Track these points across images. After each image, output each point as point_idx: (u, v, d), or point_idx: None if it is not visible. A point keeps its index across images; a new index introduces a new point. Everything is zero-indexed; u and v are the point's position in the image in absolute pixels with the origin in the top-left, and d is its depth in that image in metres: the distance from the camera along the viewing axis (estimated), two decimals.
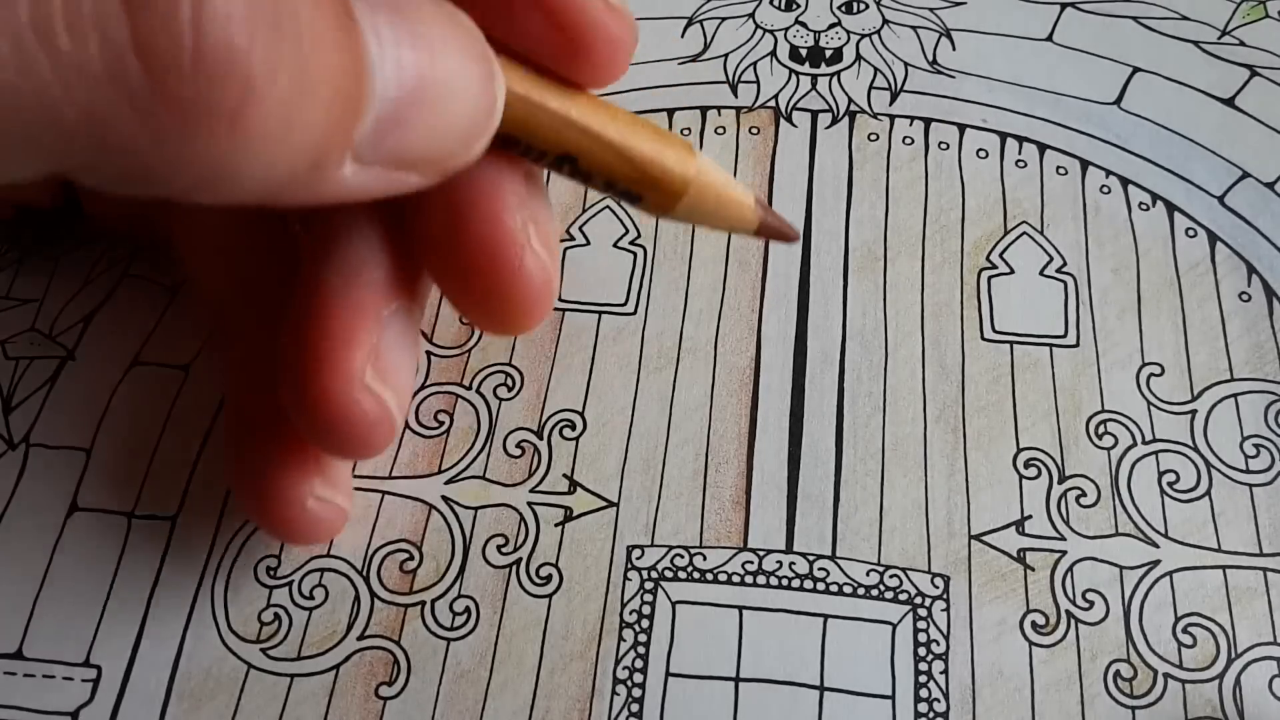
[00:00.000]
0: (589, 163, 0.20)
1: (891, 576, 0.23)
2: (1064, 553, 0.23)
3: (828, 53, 0.32)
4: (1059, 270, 0.27)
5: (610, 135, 0.20)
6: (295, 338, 0.20)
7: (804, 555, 0.23)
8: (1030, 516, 0.24)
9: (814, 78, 0.31)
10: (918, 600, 0.23)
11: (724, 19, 0.33)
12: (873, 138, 0.30)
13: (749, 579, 0.23)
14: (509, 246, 0.20)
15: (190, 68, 0.14)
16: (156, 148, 0.14)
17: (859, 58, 0.32)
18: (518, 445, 0.25)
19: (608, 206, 0.29)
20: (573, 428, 0.25)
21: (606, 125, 0.20)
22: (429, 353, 0.26)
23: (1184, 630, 0.22)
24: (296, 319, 0.20)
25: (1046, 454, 0.25)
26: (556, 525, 0.24)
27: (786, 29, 0.32)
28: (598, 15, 0.19)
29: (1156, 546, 0.23)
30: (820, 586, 0.23)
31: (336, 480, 0.22)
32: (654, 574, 0.23)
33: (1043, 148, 0.29)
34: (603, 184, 0.20)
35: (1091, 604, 0.23)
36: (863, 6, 0.33)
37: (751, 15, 0.33)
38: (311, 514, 0.22)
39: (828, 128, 0.30)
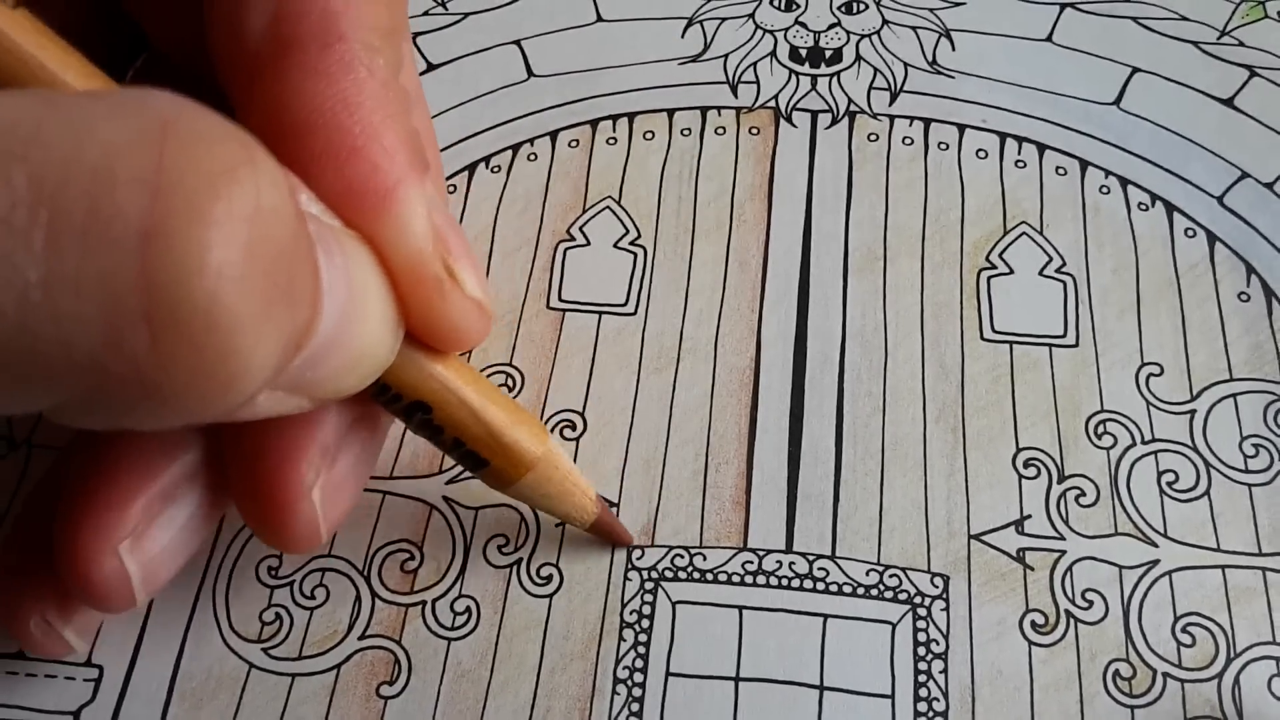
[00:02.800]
0: (442, 416, 0.20)
1: (891, 576, 0.23)
2: (1063, 552, 0.23)
3: (827, 53, 0.32)
4: (1058, 270, 0.27)
5: (468, 394, 0.20)
6: (77, 478, 0.20)
7: (804, 555, 0.23)
8: (1030, 516, 0.24)
9: (814, 78, 0.31)
10: (917, 600, 0.23)
11: (724, 19, 0.33)
12: (872, 138, 0.30)
13: (749, 579, 0.23)
14: (289, 492, 0.20)
15: (198, 340, 0.14)
16: (142, 402, 0.14)
17: (859, 58, 0.32)
18: None
19: (608, 207, 0.29)
20: (573, 428, 0.25)
21: (468, 385, 0.20)
22: None
23: (1183, 630, 0.22)
24: (87, 458, 0.20)
25: (1046, 454, 0.25)
26: (557, 525, 0.24)
27: (786, 29, 0.32)
28: (453, 322, 0.19)
29: (1156, 546, 0.23)
30: (820, 586, 0.23)
31: (71, 617, 0.21)
32: (654, 574, 0.23)
33: (1042, 148, 0.29)
34: (451, 441, 0.20)
35: (1091, 603, 0.23)
36: (862, 7, 0.33)
37: (751, 16, 0.33)
38: (31, 634, 0.21)
39: (828, 128, 0.30)
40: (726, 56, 0.32)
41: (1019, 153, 0.29)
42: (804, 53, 0.32)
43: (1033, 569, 0.23)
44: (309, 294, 0.16)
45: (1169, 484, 0.24)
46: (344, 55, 0.19)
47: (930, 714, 0.22)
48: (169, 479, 0.20)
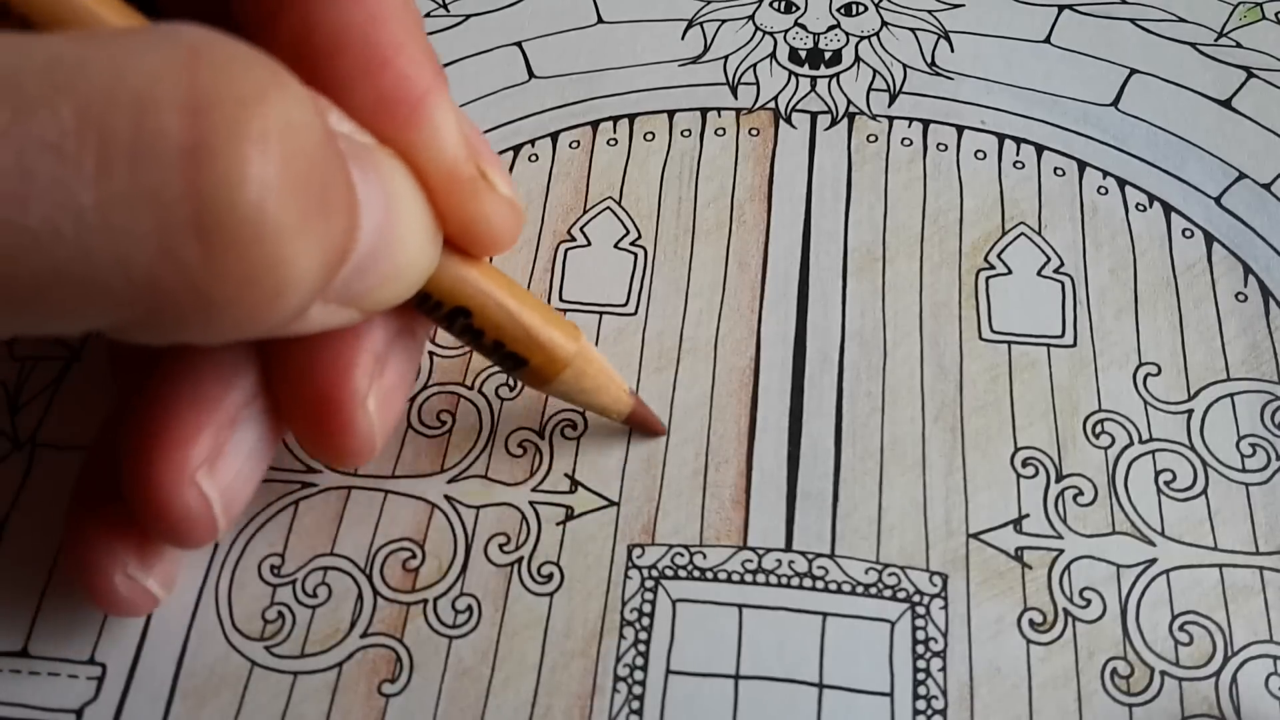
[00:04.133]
0: (482, 320, 0.21)
1: (890, 575, 0.23)
2: (1061, 551, 0.23)
3: (827, 55, 0.32)
4: (1056, 270, 0.27)
5: (506, 298, 0.21)
6: (141, 417, 0.20)
7: (803, 554, 0.24)
8: (1028, 515, 0.24)
9: (813, 79, 0.31)
10: (916, 598, 0.23)
11: (724, 21, 0.33)
12: (872, 139, 0.30)
13: (749, 577, 0.23)
14: (346, 402, 0.20)
15: (246, 249, 0.15)
16: (197, 314, 0.15)
17: (858, 60, 0.32)
18: (519, 445, 0.25)
19: (608, 208, 0.29)
20: (574, 427, 0.25)
21: (504, 290, 0.21)
22: (431, 353, 0.26)
23: (1181, 628, 0.23)
24: (148, 398, 0.20)
25: (1044, 453, 0.25)
26: (558, 524, 0.24)
27: (786, 31, 0.33)
28: (490, 222, 0.20)
29: (1153, 545, 0.24)
30: (819, 585, 0.23)
31: (154, 564, 0.22)
32: (654, 572, 0.23)
33: (1040, 149, 0.30)
34: (491, 344, 0.21)
35: (1089, 602, 0.23)
36: (862, 9, 0.33)
37: (751, 18, 0.33)
38: (115, 589, 0.21)
39: (827, 129, 0.30)
40: (726, 58, 0.32)
41: (1017, 153, 0.29)
42: (803, 54, 0.32)
43: (1031, 568, 0.23)
44: (345, 205, 0.16)
45: (1166, 483, 0.24)
46: None
47: (929, 712, 0.22)
48: (231, 406, 0.21)
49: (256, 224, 0.15)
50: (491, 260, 0.22)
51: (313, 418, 0.21)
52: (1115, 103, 0.31)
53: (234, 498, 0.21)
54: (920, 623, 0.23)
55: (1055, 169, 0.29)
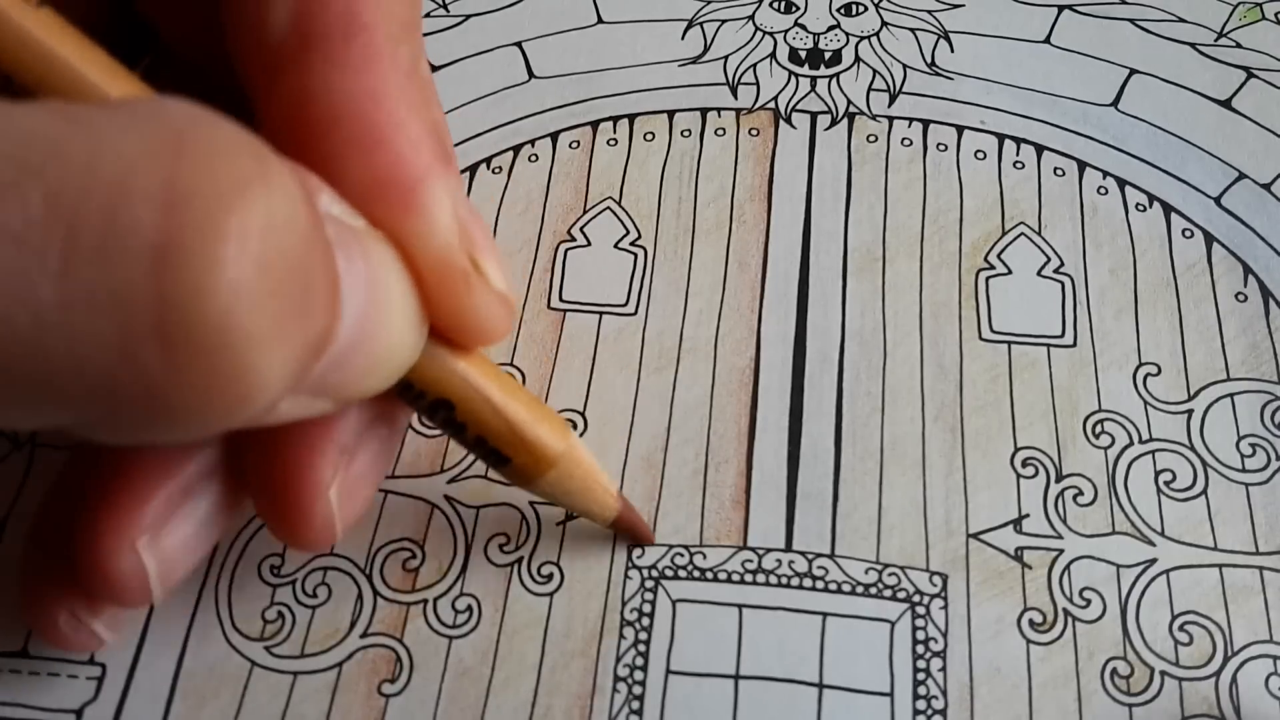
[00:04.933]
0: (465, 413, 0.20)
1: (890, 575, 0.23)
2: (1061, 551, 0.24)
3: (827, 55, 0.32)
4: (1056, 271, 0.27)
5: (492, 392, 0.20)
6: (95, 474, 0.20)
7: (803, 554, 0.24)
8: (1028, 515, 0.24)
9: (813, 79, 0.31)
10: (916, 598, 0.23)
11: (724, 21, 0.33)
12: (871, 139, 0.30)
13: (749, 577, 0.23)
14: (306, 491, 0.20)
15: (210, 358, 0.14)
16: (156, 419, 0.14)
17: (858, 60, 0.32)
18: None
19: (608, 208, 0.29)
20: (574, 427, 0.25)
21: (491, 382, 0.20)
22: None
23: (1181, 628, 0.23)
24: (107, 454, 0.20)
25: (1044, 453, 0.25)
26: (558, 524, 0.24)
27: (786, 31, 0.33)
28: (479, 316, 0.19)
29: (1153, 545, 0.24)
30: (819, 585, 0.23)
31: (100, 609, 0.21)
32: (654, 572, 0.23)
33: (1040, 149, 0.30)
34: (474, 438, 0.20)
35: (1089, 602, 0.23)
36: (861, 9, 0.33)
37: (751, 18, 0.33)
38: (59, 629, 0.21)
39: (827, 129, 0.30)
40: (726, 58, 0.32)
41: (1017, 154, 0.30)
42: (803, 54, 0.32)
43: (1031, 568, 0.23)
44: (326, 303, 0.16)
45: (1166, 483, 0.24)
46: (367, 47, 0.18)
47: (929, 712, 0.22)
48: (187, 475, 0.20)
49: (223, 331, 0.14)
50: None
51: (271, 502, 0.20)
52: (1115, 103, 0.31)
53: (174, 567, 0.20)
54: (920, 623, 0.23)
55: (1055, 169, 0.29)
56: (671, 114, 0.31)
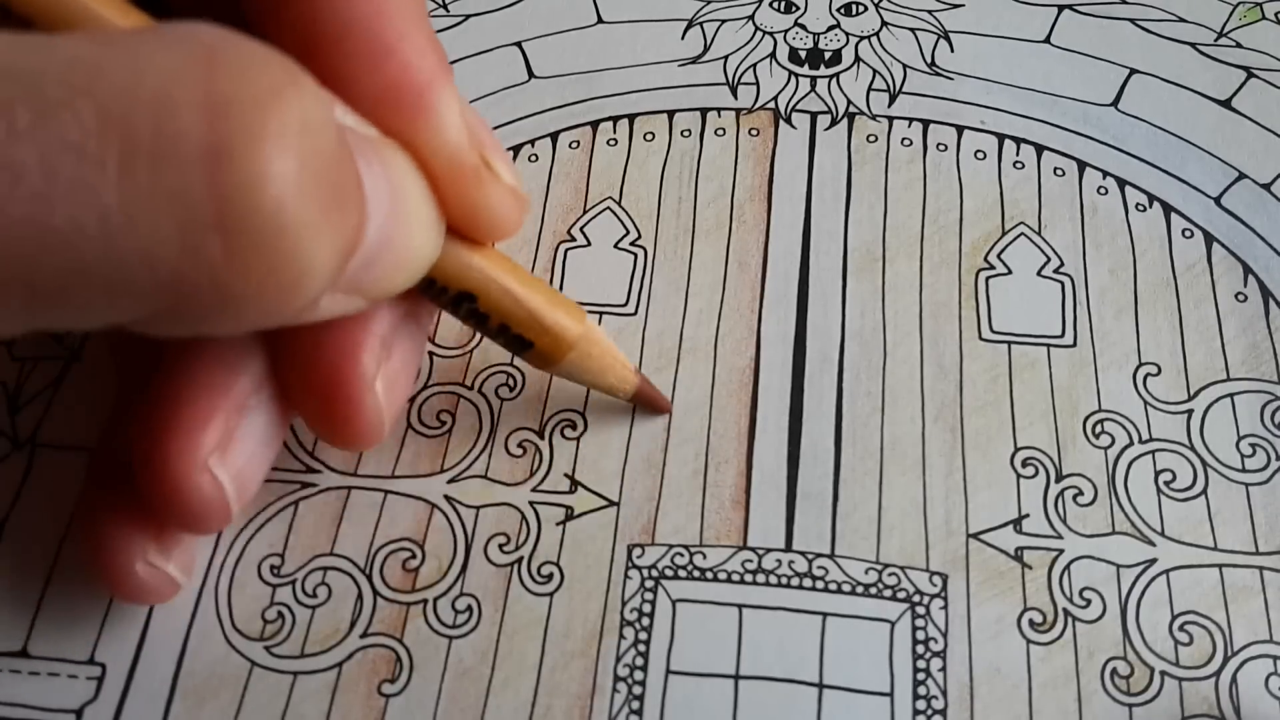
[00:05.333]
0: (487, 303, 0.21)
1: (890, 575, 0.23)
2: (1061, 551, 0.24)
3: (827, 55, 0.32)
4: (1056, 271, 0.27)
5: (510, 281, 0.21)
6: (151, 405, 0.20)
7: (803, 554, 0.24)
8: (1028, 515, 0.24)
9: (813, 79, 0.31)
10: (916, 598, 0.23)
11: (724, 21, 0.33)
12: (871, 139, 0.30)
13: (749, 577, 0.23)
14: (354, 385, 0.21)
15: (268, 246, 0.15)
16: (218, 307, 0.16)
17: (858, 60, 0.32)
18: (519, 445, 0.25)
19: (608, 208, 0.29)
20: (574, 427, 0.25)
21: (508, 273, 0.21)
22: (431, 353, 0.26)
23: (1180, 628, 0.23)
24: (157, 387, 0.21)
25: (1044, 453, 0.25)
26: (558, 524, 0.24)
27: (786, 31, 0.33)
28: (493, 210, 0.20)
29: (1153, 545, 0.24)
30: (819, 585, 0.23)
31: (173, 550, 0.22)
32: (654, 572, 0.23)
33: (1040, 149, 0.30)
34: (496, 327, 0.22)
35: (1089, 602, 0.23)
36: (861, 9, 0.33)
37: (751, 18, 0.33)
38: (137, 577, 0.22)
39: (827, 129, 0.30)
40: (726, 58, 0.32)
41: (1017, 154, 0.30)
42: (803, 54, 0.32)
43: (1031, 568, 0.23)
44: (355, 199, 0.17)
45: (1166, 483, 0.24)
46: None
47: (929, 712, 0.22)
48: (240, 392, 0.21)
49: (278, 221, 0.15)
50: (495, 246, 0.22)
51: (321, 401, 0.21)
52: (1115, 103, 0.31)
53: (246, 482, 0.21)
54: (920, 623, 0.23)
55: (1055, 169, 0.29)
56: (671, 114, 0.31)
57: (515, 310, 0.22)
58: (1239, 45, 0.32)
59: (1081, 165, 0.29)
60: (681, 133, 0.30)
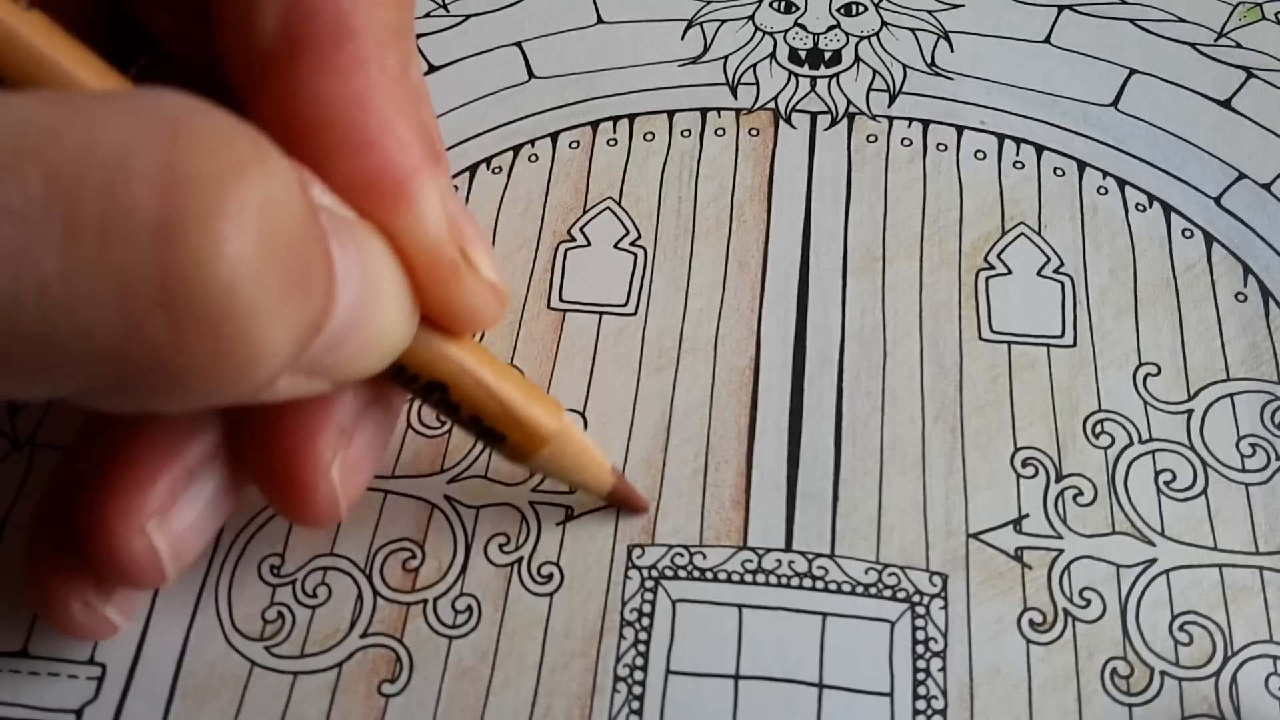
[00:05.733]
0: (459, 394, 0.21)
1: (890, 575, 0.23)
2: (1061, 551, 0.24)
3: (827, 55, 0.32)
4: (1056, 271, 0.27)
5: (485, 373, 0.21)
6: (100, 459, 0.20)
7: (803, 554, 0.24)
8: (1028, 515, 0.24)
9: (813, 79, 0.31)
10: (916, 598, 0.23)
11: (724, 21, 0.33)
12: (871, 139, 0.30)
13: (749, 577, 0.23)
14: (309, 470, 0.20)
15: (215, 326, 0.14)
16: (162, 386, 0.15)
17: (858, 60, 0.32)
18: None
19: (608, 208, 0.29)
20: None
21: (483, 365, 0.21)
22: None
23: (1181, 628, 0.23)
24: (110, 440, 0.20)
25: (1044, 453, 0.25)
26: (558, 524, 0.24)
27: (786, 31, 0.33)
28: (469, 305, 0.20)
29: (1153, 545, 0.24)
30: (819, 585, 0.23)
31: (111, 593, 0.21)
32: (654, 572, 0.23)
33: (1040, 149, 0.30)
34: (469, 418, 0.21)
35: (1089, 602, 0.23)
36: (861, 9, 0.33)
37: (751, 18, 0.33)
38: (73, 616, 0.21)
39: (827, 129, 0.30)
40: (726, 58, 0.32)
41: (1017, 154, 0.30)
42: (803, 54, 0.32)
43: (1031, 568, 0.23)
44: (323, 282, 0.16)
45: (1166, 483, 0.24)
46: (356, 53, 0.19)
47: (929, 712, 0.22)
48: (191, 458, 0.20)
49: (228, 302, 0.14)
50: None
51: (274, 481, 0.20)
52: (1115, 103, 0.31)
53: (185, 548, 0.21)
54: (920, 623, 0.23)
55: (1055, 169, 0.29)
56: (671, 114, 0.31)
57: (487, 403, 0.21)
58: (1239, 45, 0.32)
59: (1081, 165, 0.29)
60: (681, 133, 0.30)
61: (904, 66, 0.31)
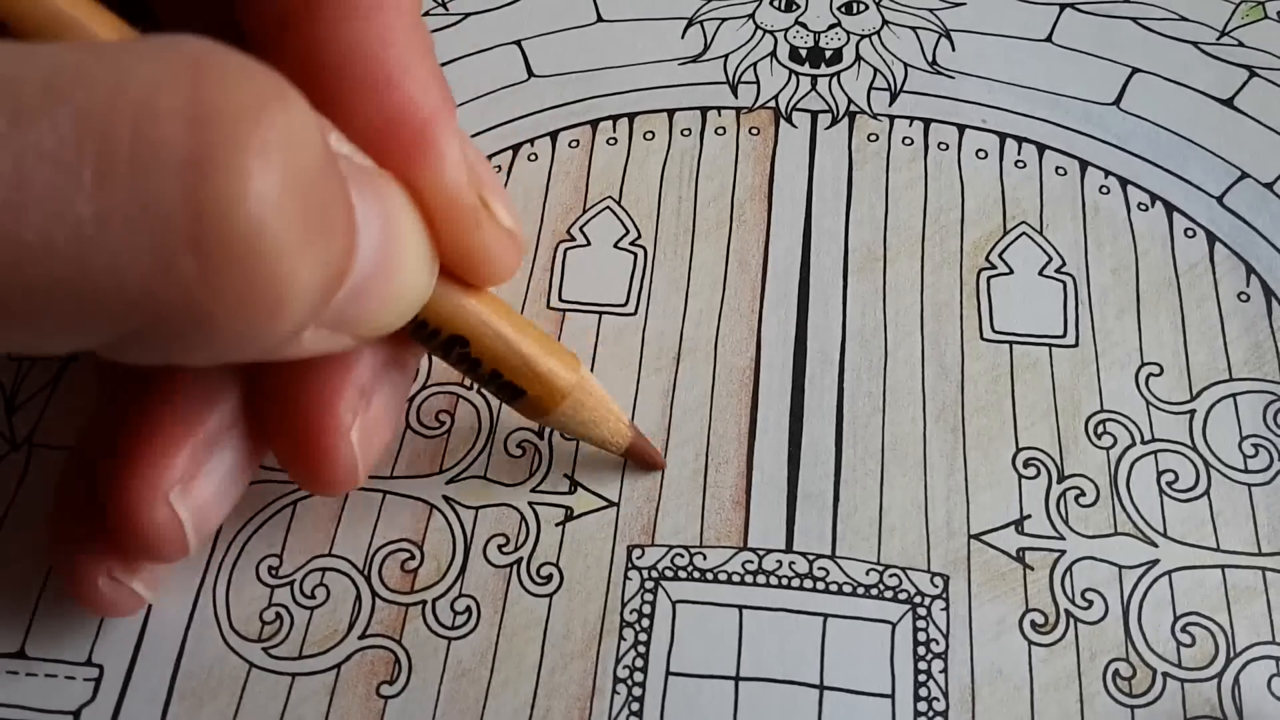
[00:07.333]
0: (479, 348, 0.21)
1: (891, 576, 0.23)
2: (1063, 552, 0.23)
3: (827, 53, 0.32)
4: (1058, 270, 0.27)
5: (504, 327, 0.21)
6: (121, 431, 0.20)
7: (804, 555, 0.23)
8: (1029, 516, 0.24)
9: (814, 78, 0.31)
10: (917, 599, 0.23)
11: (724, 20, 0.33)
12: (872, 138, 0.30)
13: (749, 578, 0.23)
14: (329, 433, 0.20)
15: (244, 265, 0.14)
16: (192, 331, 0.15)
17: (859, 58, 0.32)
18: (519, 445, 0.25)
19: (608, 207, 0.29)
20: None
21: (502, 318, 0.21)
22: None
23: (1183, 629, 0.23)
24: (130, 411, 0.20)
25: (1045, 454, 0.25)
26: (557, 525, 0.24)
27: (786, 30, 0.32)
28: (489, 253, 0.20)
29: (1155, 546, 0.23)
30: (820, 586, 0.23)
31: (138, 567, 0.22)
32: (654, 573, 0.23)
33: (1042, 148, 0.29)
34: (488, 373, 0.21)
35: (1091, 603, 0.23)
36: (862, 7, 0.33)
37: (752, 16, 0.33)
38: (100, 591, 0.21)
39: (827, 128, 0.30)
40: (726, 57, 0.32)
41: (1019, 153, 0.29)
42: (804, 53, 0.32)
43: (1032, 569, 0.23)
44: (344, 225, 0.16)
45: (1169, 484, 0.24)
46: None
47: (930, 713, 0.22)
48: (211, 427, 0.20)
49: (255, 239, 0.14)
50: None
51: (294, 446, 0.20)
52: (1117, 102, 0.30)
53: (207, 518, 0.21)
54: (921, 624, 0.23)
55: (1057, 168, 0.29)
56: (671, 113, 0.31)
57: (508, 356, 0.21)
58: (1241, 44, 0.32)
59: (1083, 164, 0.29)
60: (681, 132, 0.30)
61: (905, 65, 0.31)
